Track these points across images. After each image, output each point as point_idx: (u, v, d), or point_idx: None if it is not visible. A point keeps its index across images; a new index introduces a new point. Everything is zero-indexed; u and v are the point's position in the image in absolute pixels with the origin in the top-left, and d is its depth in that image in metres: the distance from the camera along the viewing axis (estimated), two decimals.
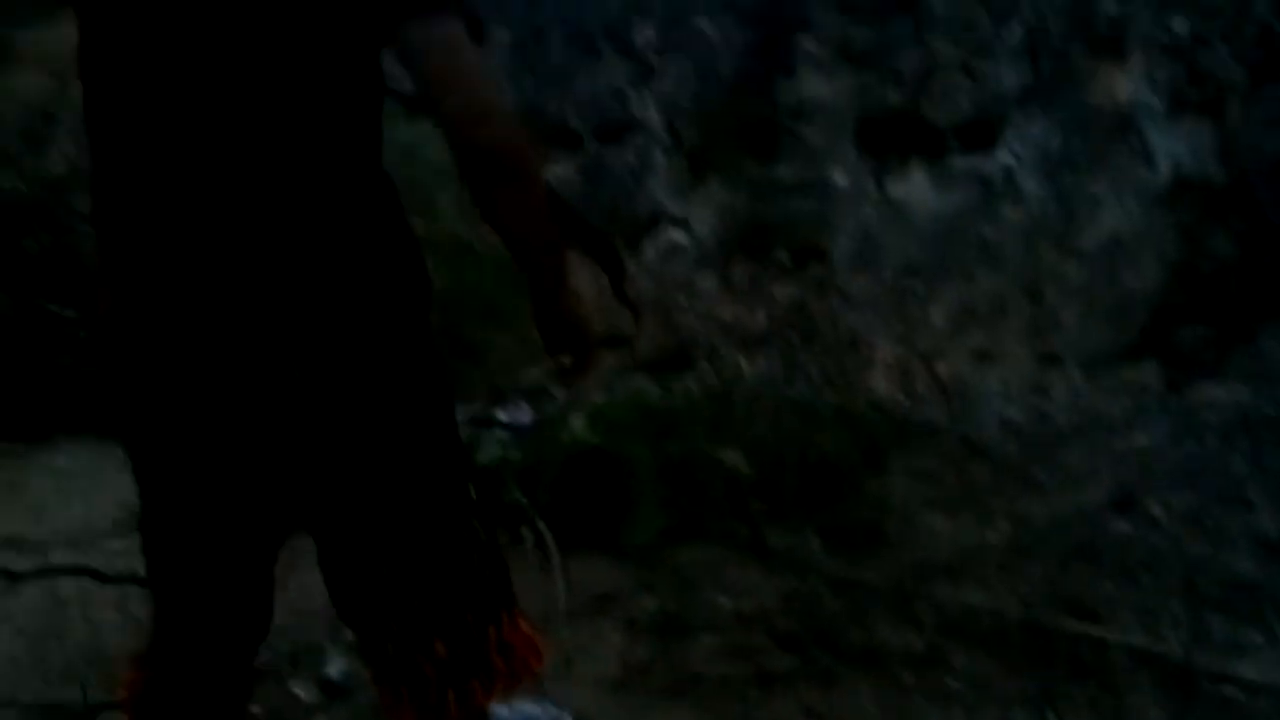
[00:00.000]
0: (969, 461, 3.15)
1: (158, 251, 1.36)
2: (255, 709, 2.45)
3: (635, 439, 2.98)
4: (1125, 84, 3.59)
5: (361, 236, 1.36)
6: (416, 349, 1.41)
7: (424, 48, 1.30)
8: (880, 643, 2.44)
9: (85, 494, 3.11)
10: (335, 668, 2.45)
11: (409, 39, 1.31)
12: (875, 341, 3.80)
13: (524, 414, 3.23)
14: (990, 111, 3.79)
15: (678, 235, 4.43)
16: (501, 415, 3.28)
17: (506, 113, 1.40)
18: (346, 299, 1.35)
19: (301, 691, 2.41)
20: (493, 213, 1.36)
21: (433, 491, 1.42)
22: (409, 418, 1.39)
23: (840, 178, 4.07)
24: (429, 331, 1.43)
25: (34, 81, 5.17)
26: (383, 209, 1.40)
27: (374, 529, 1.40)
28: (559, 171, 4.73)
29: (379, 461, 1.38)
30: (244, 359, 1.34)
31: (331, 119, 1.34)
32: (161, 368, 1.38)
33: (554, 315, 1.48)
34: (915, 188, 3.92)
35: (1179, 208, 3.46)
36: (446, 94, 1.31)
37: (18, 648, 2.66)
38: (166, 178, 1.34)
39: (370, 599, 1.43)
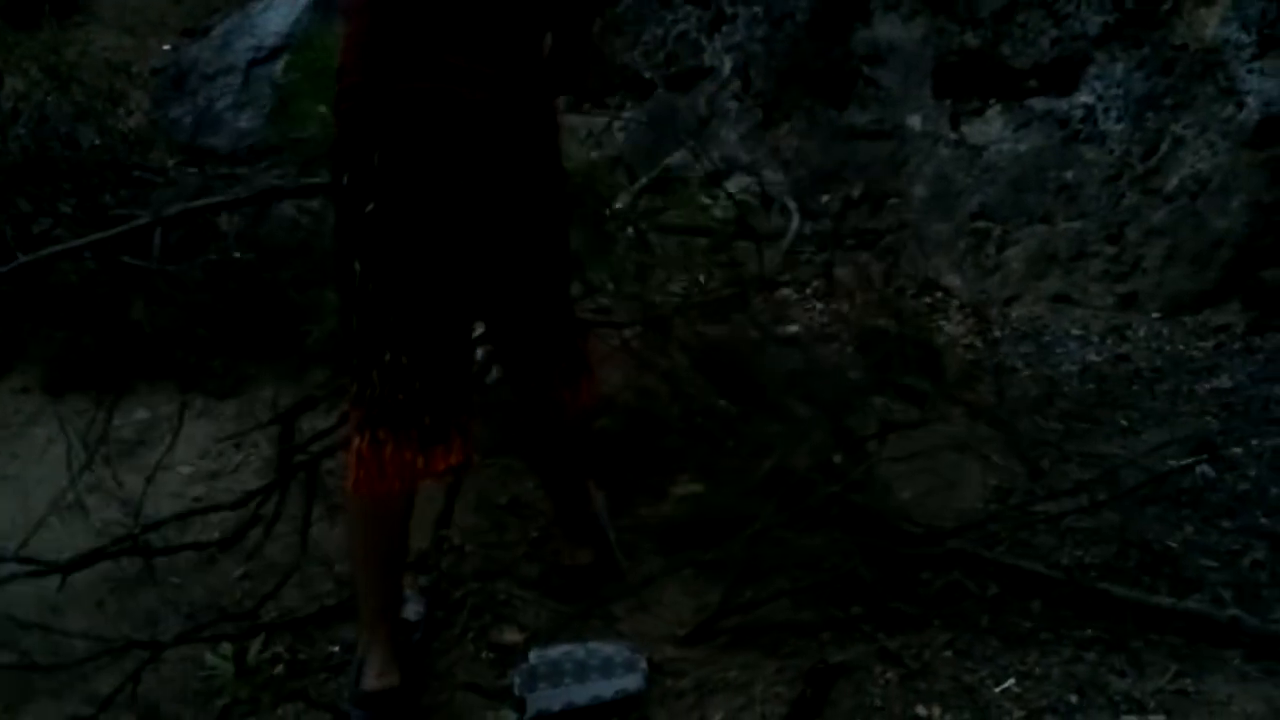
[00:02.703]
0: (1046, 405, 3.09)
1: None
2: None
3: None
4: (1212, 21, 3.48)
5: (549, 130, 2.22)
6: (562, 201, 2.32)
7: None
8: (954, 587, 2.41)
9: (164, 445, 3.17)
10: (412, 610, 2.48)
11: None
12: (952, 285, 3.74)
13: None
14: (1071, 52, 3.70)
15: (750, 182, 4.40)
16: None
17: None
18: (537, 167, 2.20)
19: None
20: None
21: (562, 289, 2.40)
22: (555, 244, 2.32)
23: (916, 122, 4.02)
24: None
25: (112, 39, 5.26)
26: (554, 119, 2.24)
27: (533, 305, 2.32)
28: (629, 119, 4.72)
29: (541, 265, 2.30)
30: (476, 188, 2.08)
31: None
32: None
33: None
34: (993, 130, 3.86)
35: (1267, 147, 3.35)
36: None
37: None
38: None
39: (525, 348, 2.36)
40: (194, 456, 3.28)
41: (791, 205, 4.17)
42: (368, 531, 2.19)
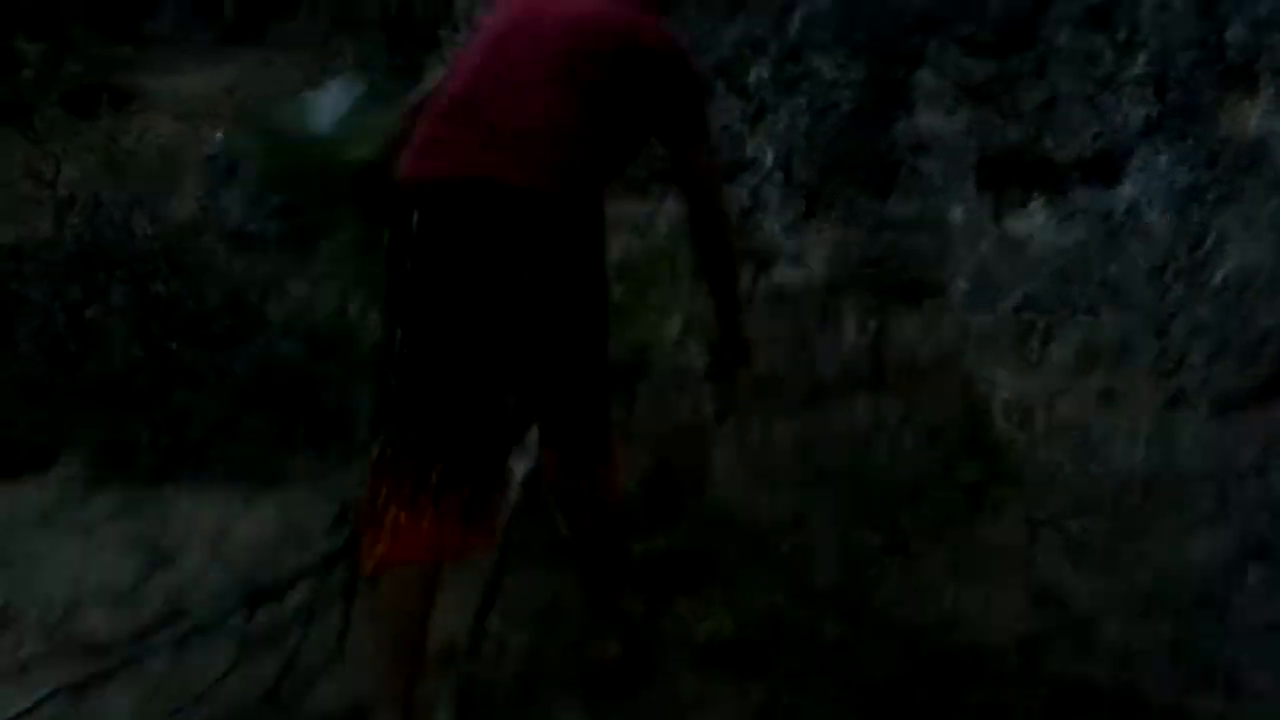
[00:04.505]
0: (1092, 506, 3.05)
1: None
2: None
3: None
4: (1255, 114, 3.48)
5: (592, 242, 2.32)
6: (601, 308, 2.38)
7: (694, 168, 2.41)
8: (999, 701, 2.36)
9: (208, 537, 3.19)
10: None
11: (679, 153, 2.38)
12: (994, 379, 3.72)
13: None
14: (1114, 145, 3.70)
15: (792, 271, 4.41)
16: None
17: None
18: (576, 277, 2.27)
19: None
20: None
21: (599, 389, 2.44)
22: (593, 340, 2.38)
23: (958, 214, 4.01)
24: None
25: (165, 126, 5.36)
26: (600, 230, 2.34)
27: (571, 404, 2.40)
28: (671, 210, 4.75)
29: (578, 363, 2.37)
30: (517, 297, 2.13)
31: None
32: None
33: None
34: (1036, 223, 3.85)
35: None
36: (712, 244, 2.45)
37: None
38: None
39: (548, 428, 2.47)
40: (237, 549, 3.29)
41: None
42: (391, 611, 2.13)
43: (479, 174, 2.10)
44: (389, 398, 2.12)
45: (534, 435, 2.68)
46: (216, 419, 3.47)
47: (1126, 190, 3.66)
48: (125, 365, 3.74)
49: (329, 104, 5.18)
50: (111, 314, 3.97)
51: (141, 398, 3.63)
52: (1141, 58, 3.66)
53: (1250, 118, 3.49)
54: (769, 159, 4.54)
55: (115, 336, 3.91)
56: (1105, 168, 3.71)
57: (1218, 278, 3.47)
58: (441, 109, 2.20)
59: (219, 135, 5.68)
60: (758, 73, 4.61)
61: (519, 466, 2.89)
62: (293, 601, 2.89)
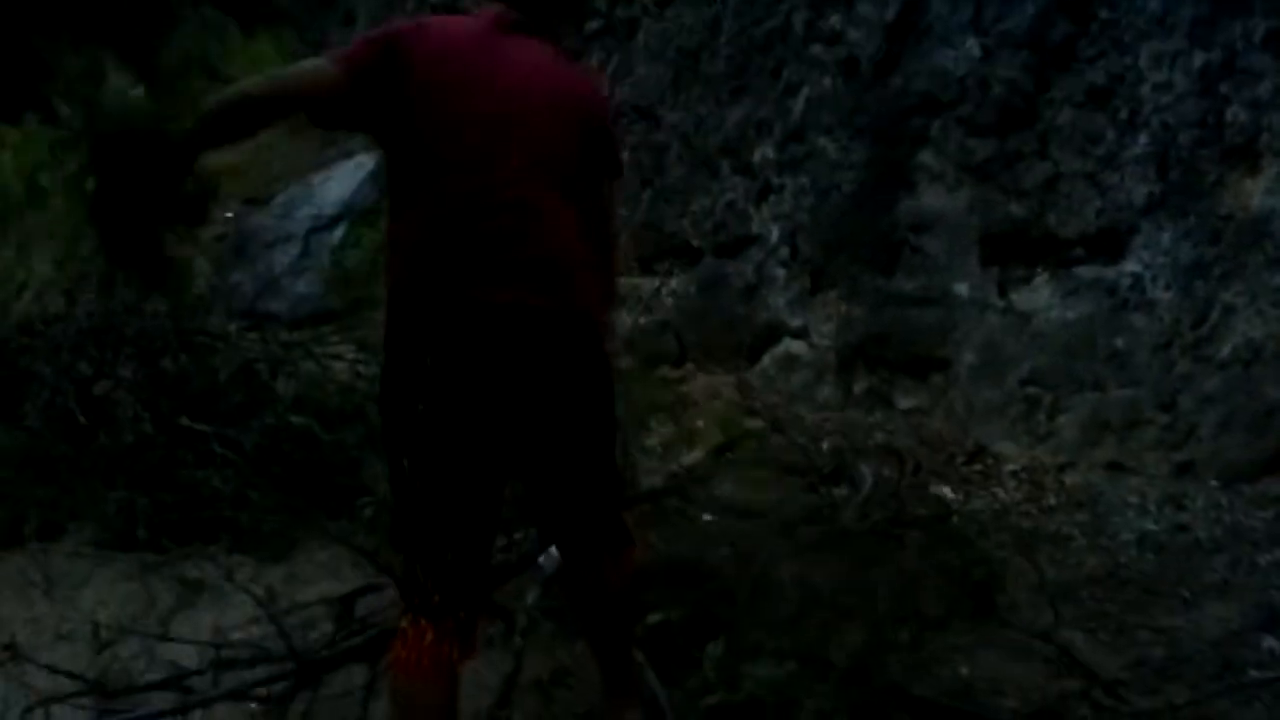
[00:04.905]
0: (1105, 577, 3.04)
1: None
2: None
3: None
4: (1257, 191, 3.52)
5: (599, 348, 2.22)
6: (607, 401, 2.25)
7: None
8: None
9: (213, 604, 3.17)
10: None
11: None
12: (1004, 452, 3.72)
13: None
14: (1117, 222, 3.74)
15: (797, 347, 4.44)
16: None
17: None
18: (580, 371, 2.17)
19: None
20: None
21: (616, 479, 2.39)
22: (599, 435, 2.26)
23: (963, 289, 4.05)
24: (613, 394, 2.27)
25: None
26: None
27: (578, 494, 2.27)
28: (677, 285, 4.79)
29: (599, 465, 2.27)
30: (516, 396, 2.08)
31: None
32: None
33: None
34: (1041, 298, 3.88)
35: None
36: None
37: None
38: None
39: (571, 531, 2.33)
40: (242, 621, 3.26)
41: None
42: (406, 715, 2.14)
43: (512, 300, 2.06)
44: (403, 522, 2.11)
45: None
46: (224, 492, 3.46)
47: (1131, 266, 3.69)
48: (134, 439, 3.74)
49: (338, 183, 5.25)
50: (120, 388, 3.98)
51: (150, 472, 3.62)
52: (1143, 137, 3.71)
53: (1253, 194, 3.53)
54: (774, 236, 4.60)
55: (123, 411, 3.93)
56: (1109, 243, 3.75)
57: (1224, 351, 3.49)
58: (450, 222, 2.10)
59: (228, 215, 5.77)
60: (762, 152, 4.68)
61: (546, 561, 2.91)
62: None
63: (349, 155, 5.46)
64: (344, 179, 5.34)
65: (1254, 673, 2.55)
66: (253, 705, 2.79)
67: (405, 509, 2.09)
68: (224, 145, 2.26)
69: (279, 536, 3.54)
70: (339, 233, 4.98)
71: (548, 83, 2.18)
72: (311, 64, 2.16)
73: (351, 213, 5.06)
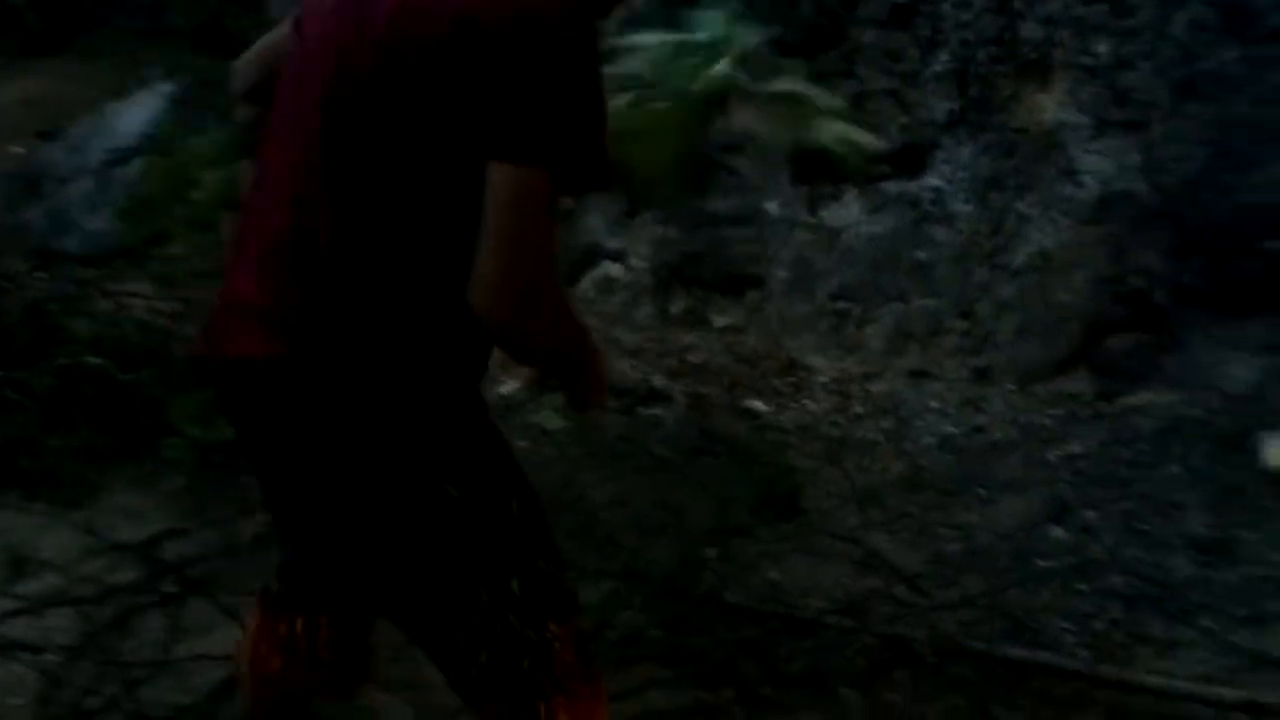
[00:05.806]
0: (907, 479, 3.14)
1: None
2: None
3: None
4: (1050, 106, 3.63)
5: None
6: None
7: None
8: (823, 664, 2.41)
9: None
10: None
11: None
12: (815, 364, 3.80)
13: None
14: (920, 138, 3.83)
15: (615, 270, 4.43)
16: None
17: None
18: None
19: None
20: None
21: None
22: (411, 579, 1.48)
23: (774, 207, 4.10)
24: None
25: None
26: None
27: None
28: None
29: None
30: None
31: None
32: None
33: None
34: (850, 214, 3.96)
35: (1106, 223, 3.49)
36: None
37: None
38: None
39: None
40: (38, 570, 3.13)
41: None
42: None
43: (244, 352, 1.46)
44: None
45: None
46: (18, 436, 3.30)
47: (933, 180, 3.79)
48: None
49: (136, 114, 5.04)
50: None
51: None
52: (944, 55, 3.79)
53: (1045, 110, 3.65)
54: None
55: None
56: (912, 159, 3.83)
57: (1018, 260, 3.61)
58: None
59: (18, 150, 5.48)
60: None
61: None
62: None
63: (145, 83, 5.22)
64: (141, 109, 5.10)
65: (1041, 562, 2.67)
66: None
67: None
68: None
69: (78, 482, 3.41)
70: (136, 166, 4.76)
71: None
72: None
73: (150, 144, 4.83)
